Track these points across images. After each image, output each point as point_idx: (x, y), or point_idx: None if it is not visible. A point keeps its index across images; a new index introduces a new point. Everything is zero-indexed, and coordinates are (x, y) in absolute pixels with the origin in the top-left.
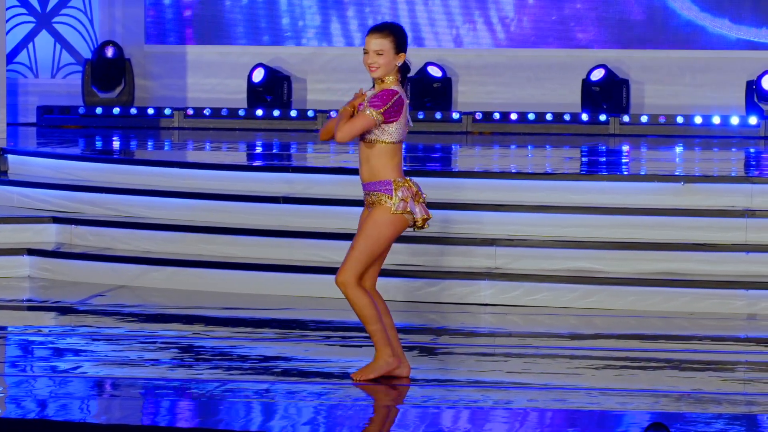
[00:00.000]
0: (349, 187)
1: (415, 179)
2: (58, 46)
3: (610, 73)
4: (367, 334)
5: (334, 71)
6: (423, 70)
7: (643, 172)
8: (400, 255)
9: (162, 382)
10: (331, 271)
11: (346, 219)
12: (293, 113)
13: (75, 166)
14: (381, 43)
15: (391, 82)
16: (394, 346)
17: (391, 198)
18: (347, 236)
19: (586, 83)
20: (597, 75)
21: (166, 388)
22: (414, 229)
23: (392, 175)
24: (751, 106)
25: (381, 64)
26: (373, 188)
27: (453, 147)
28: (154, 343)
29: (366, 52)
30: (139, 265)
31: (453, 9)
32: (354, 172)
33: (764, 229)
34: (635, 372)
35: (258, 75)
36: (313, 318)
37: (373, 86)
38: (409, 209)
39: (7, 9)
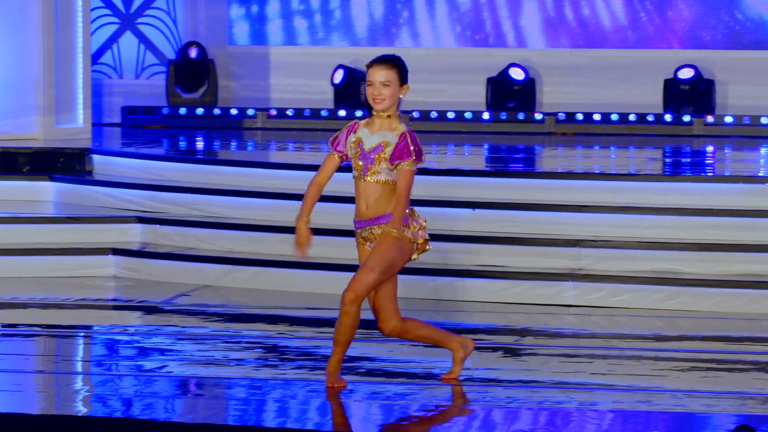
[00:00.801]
0: (433, 188)
1: (499, 180)
2: (142, 47)
3: (698, 73)
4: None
5: (416, 72)
6: (505, 72)
7: (727, 173)
8: (483, 256)
9: (247, 382)
10: (416, 272)
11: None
12: None
13: (159, 166)
14: (387, 74)
15: (397, 117)
16: None
17: (409, 227)
18: (435, 237)
19: (672, 83)
20: (686, 74)
21: (251, 387)
22: (415, 256)
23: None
24: None
25: (387, 96)
26: (387, 221)
27: (536, 148)
28: (239, 342)
29: (370, 84)
30: (223, 264)
31: (536, 9)
32: (433, 173)
33: None
34: (721, 374)
35: (338, 76)
36: None
37: (369, 116)
38: (426, 237)
39: (92, 10)
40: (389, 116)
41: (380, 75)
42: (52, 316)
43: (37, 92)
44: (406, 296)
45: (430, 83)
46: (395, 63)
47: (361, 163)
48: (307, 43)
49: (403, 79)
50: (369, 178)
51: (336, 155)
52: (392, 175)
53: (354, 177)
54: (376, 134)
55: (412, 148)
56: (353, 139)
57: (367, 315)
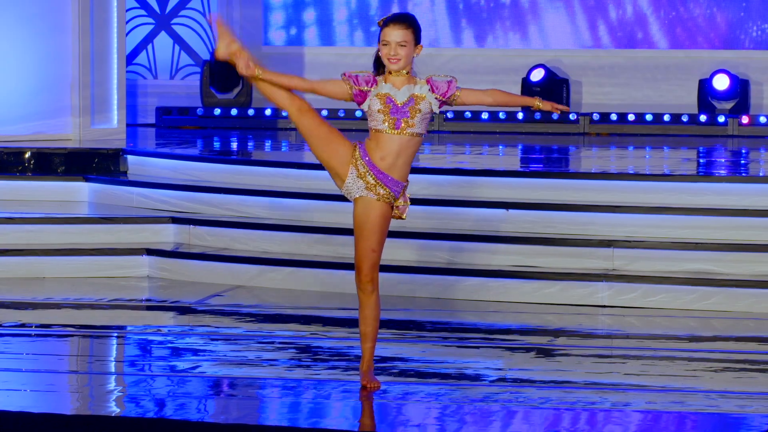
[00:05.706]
0: (467, 188)
1: (532, 180)
2: (176, 48)
3: (731, 74)
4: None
5: (453, 72)
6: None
7: (762, 174)
8: (516, 256)
9: (280, 383)
10: (449, 272)
11: (465, 219)
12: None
13: (193, 166)
14: (404, 35)
15: (413, 75)
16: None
17: (398, 200)
18: (469, 237)
19: (707, 83)
20: (719, 76)
21: (284, 388)
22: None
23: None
24: None
25: (403, 56)
26: (401, 188)
27: (570, 148)
28: (272, 343)
29: (386, 44)
30: (256, 265)
31: (570, 9)
32: (466, 173)
33: None
34: (755, 375)
35: None
36: (430, 319)
37: (377, 75)
38: (403, 217)
39: (127, 11)
40: (407, 73)
41: (396, 35)
42: (85, 317)
43: (72, 93)
44: (440, 296)
45: (469, 84)
46: (411, 23)
47: (394, 117)
48: (342, 43)
49: (418, 38)
50: (402, 132)
51: (348, 85)
52: (423, 128)
53: (375, 130)
54: (404, 88)
55: (447, 79)
56: (377, 92)
57: (397, 315)
